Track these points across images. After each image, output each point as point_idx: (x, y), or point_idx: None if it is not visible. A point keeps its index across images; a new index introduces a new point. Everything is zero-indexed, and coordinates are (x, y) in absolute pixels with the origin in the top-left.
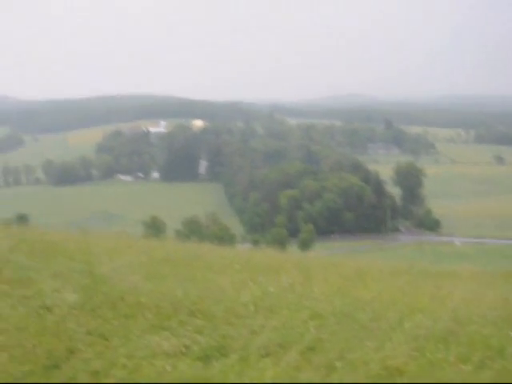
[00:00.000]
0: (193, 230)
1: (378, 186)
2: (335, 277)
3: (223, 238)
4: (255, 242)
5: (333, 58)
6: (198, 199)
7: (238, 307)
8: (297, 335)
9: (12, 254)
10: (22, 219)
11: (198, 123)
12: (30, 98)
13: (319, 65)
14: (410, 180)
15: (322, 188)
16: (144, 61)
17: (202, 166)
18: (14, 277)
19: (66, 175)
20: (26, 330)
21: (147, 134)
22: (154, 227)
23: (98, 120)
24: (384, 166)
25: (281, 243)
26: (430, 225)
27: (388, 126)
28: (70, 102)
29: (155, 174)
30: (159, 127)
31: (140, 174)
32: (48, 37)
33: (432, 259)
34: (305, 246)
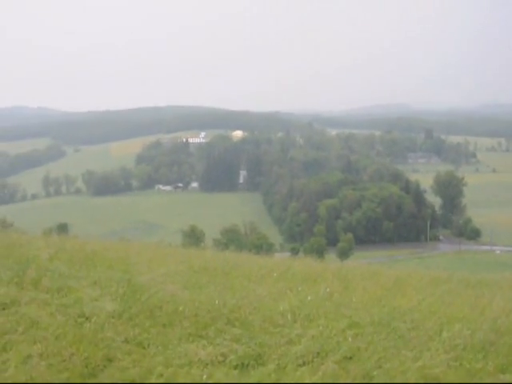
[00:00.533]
0: (231, 239)
1: (417, 196)
2: (374, 286)
3: (262, 247)
4: (294, 251)
5: (372, 68)
6: (237, 209)
7: (275, 316)
8: (334, 344)
9: (52, 263)
10: (62, 229)
11: (238, 133)
12: (71, 109)
13: (358, 74)
14: (450, 189)
15: (361, 197)
16: (183, 72)
17: (242, 175)
18: (54, 285)
19: (106, 185)
20: (64, 338)
21: (187, 144)
22: (193, 236)
23: (139, 131)
24: (424, 175)
25: (319, 252)
26: (470, 234)
27: (428, 135)
28: (110, 113)
29: (194, 184)
30: (199, 138)
31: (179, 184)
32: (88, 50)
33: (472, 268)
34: (343, 255)
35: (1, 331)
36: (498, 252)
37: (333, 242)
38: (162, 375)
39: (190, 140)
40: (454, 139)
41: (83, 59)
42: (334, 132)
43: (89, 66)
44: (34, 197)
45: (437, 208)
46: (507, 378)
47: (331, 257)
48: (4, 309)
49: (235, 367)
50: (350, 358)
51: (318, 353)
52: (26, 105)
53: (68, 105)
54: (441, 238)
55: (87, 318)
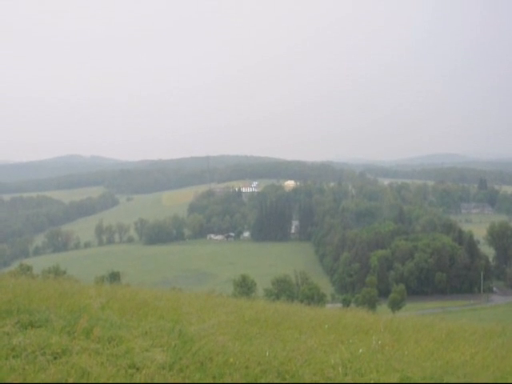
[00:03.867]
0: (283, 289)
1: (470, 246)
2: (426, 339)
3: (313, 297)
4: (345, 302)
5: (425, 118)
6: (289, 259)
7: (326, 369)
8: None
9: (103, 312)
10: (114, 277)
11: (290, 183)
12: (123, 158)
13: (410, 125)
14: (504, 240)
15: (413, 248)
16: (236, 122)
17: (294, 225)
18: (105, 335)
19: (158, 234)
20: None
21: (239, 193)
22: (244, 286)
23: (191, 180)
24: (477, 225)
25: (371, 303)
26: None
27: (482, 185)
28: (162, 162)
29: (246, 234)
30: (251, 187)
31: (231, 234)
32: (141, 99)
33: None
34: (395, 306)
35: (52, 381)
36: None
37: (385, 292)
38: None
39: (243, 189)
40: (508, 189)
41: (136, 109)
42: (386, 182)
43: (141, 115)
44: (87, 245)
45: (490, 259)
46: None
47: (383, 308)
48: (55, 358)
49: None
50: None
51: None
52: (80, 154)
53: (121, 154)
54: (494, 289)
55: (138, 369)
